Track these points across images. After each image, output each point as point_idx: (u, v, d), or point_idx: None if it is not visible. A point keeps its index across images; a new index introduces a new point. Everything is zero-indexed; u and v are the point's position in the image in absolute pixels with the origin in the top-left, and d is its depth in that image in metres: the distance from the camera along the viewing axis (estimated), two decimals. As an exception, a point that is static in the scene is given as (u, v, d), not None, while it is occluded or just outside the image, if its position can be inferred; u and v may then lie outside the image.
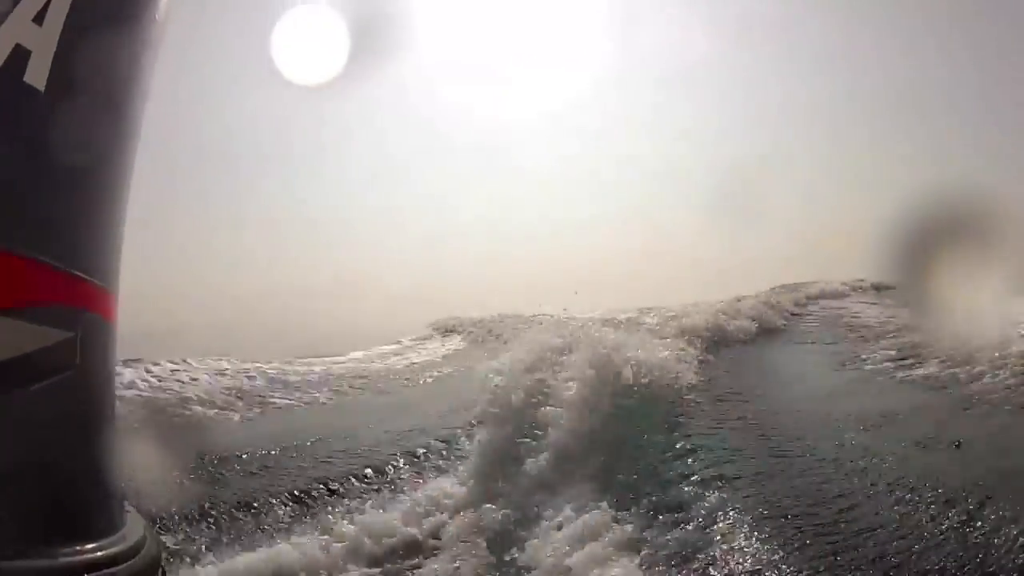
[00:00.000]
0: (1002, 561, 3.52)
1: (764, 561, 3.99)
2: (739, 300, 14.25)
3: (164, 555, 2.16)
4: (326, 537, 4.93)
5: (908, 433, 5.61)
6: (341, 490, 5.84)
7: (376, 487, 6.03)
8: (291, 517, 5.34)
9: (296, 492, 5.70)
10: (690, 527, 4.61)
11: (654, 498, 5.16)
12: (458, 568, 4.69)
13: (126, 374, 11.31)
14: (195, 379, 11.77)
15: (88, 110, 1.86)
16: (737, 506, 4.67)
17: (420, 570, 4.78)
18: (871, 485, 4.70)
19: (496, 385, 7.38)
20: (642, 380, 7.26)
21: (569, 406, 6.75)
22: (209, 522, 5.20)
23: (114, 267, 2.02)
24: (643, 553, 4.42)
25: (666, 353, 8.48)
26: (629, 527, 4.74)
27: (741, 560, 4.04)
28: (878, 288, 16.21)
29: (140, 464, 5.96)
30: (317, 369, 13.03)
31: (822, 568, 3.79)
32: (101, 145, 1.94)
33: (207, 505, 5.38)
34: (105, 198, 2.00)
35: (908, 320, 11.74)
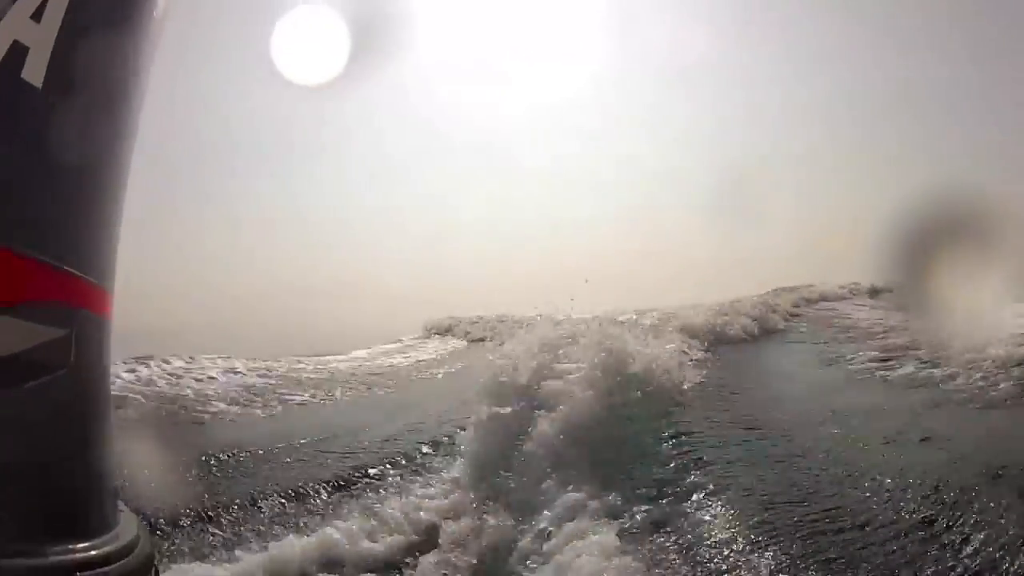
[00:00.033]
0: (954, 541, 4.22)
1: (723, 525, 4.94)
2: (734, 302, 14.89)
3: (157, 555, 2.20)
4: (373, 522, 5.65)
5: (879, 428, 6.38)
6: (379, 475, 6.68)
7: (412, 469, 6.90)
8: (337, 502, 6.14)
9: (338, 480, 6.50)
10: (666, 501, 5.55)
11: (640, 472, 6.05)
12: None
13: (142, 371, 12.15)
14: (212, 377, 12.59)
15: (85, 107, 1.92)
16: (711, 485, 5.60)
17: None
18: (844, 475, 5.45)
19: (503, 367, 8.29)
20: (639, 370, 8.08)
21: (573, 388, 7.60)
22: (260, 509, 5.96)
23: (110, 265, 2.06)
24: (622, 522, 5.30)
25: (663, 349, 9.34)
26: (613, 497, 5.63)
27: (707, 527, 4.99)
28: (874, 291, 16.88)
29: (181, 459, 6.77)
30: (331, 367, 13.82)
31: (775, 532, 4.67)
32: (98, 142, 1.98)
33: (256, 493, 6.14)
34: (101, 195, 2.04)
35: (897, 322, 12.62)
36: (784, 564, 4.36)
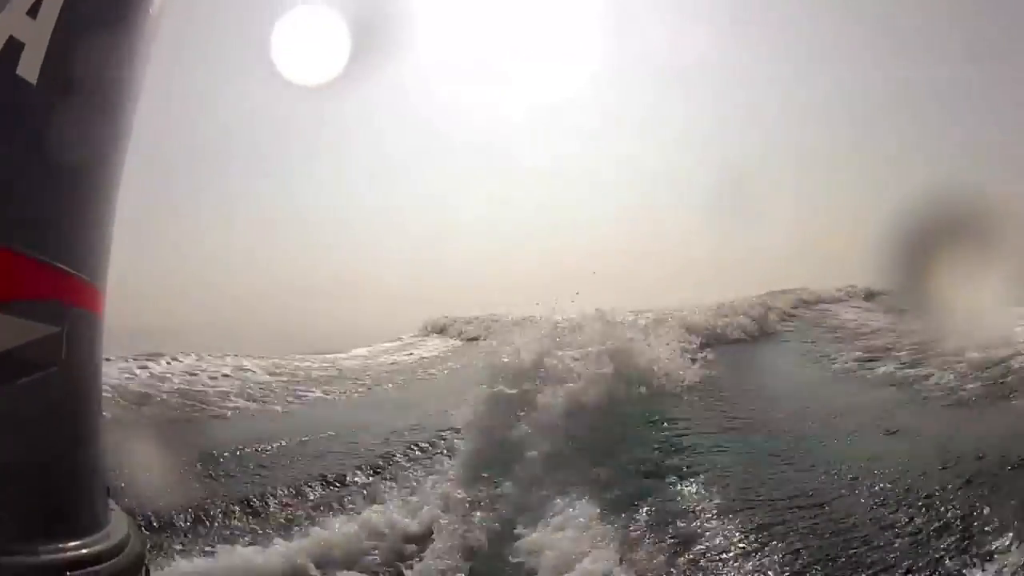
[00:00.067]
0: (901, 520, 4.98)
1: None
2: (731, 303, 15.55)
3: (148, 553, 2.28)
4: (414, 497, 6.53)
5: (851, 422, 7.31)
6: (405, 461, 7.64)
7: (438, 452, 7.87)
8: (374, 485, 7.07)
9: (374, 465, 7.49)
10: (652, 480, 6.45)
11: (630, 454, 6.96)
12: None
13: (155, 368, 12.83)
14: (226, 375, 13.25)
15: (79, 104, 1.95)
16: (694, 469, 6.56)
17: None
18: (809, 465, 6.32)
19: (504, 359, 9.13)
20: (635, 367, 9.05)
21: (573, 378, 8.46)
22: (306, 495, 6.87)
23: (102, 262, 2.09)
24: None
25: (658, 349, 10.16)
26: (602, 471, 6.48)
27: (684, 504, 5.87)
28: (869, 295, 17.55)
29: (218, 451, 7.58)
30: (338, 364, 14.68)
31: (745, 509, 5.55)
32: (92, 139, 2.01)
33: (303, 481, 7.04)
34: (95, 193, 2.07)
35: (885, 324, 13.52)
36: (750, 529, 5.24)
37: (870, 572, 4.47)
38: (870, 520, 5.11)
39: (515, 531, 5.72)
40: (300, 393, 12.31)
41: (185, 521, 6.09)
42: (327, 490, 6.96)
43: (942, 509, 4.98)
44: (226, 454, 7.77)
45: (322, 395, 12.29)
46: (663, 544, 5.23)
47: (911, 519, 4.98)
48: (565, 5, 30.22)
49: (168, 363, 13.28)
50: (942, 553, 4.49)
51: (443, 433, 8.48)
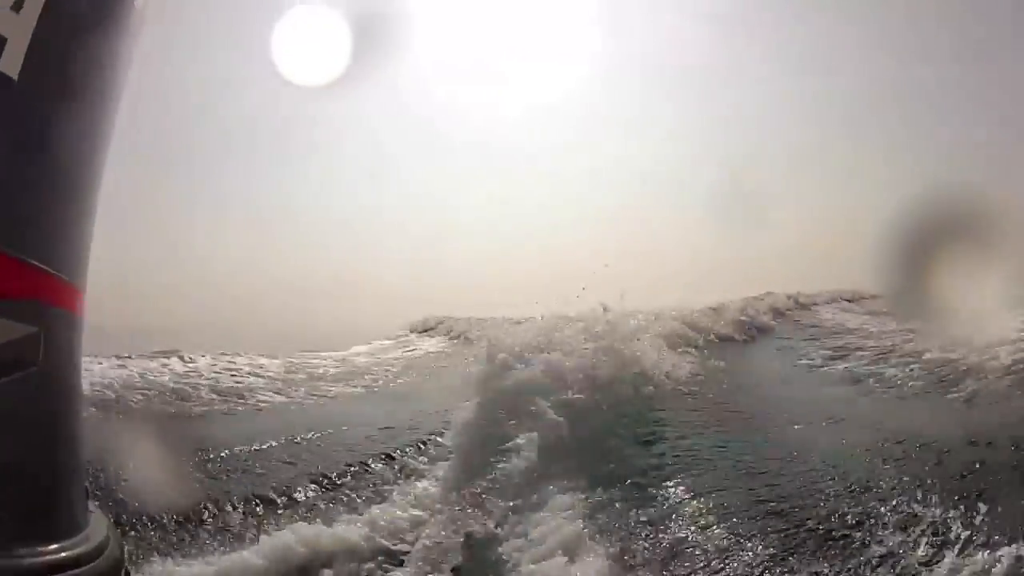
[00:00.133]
0: (836, 491, 6.46)
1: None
2: (723, 305, 16.50)
3: (127, 556, 2.34)
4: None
5: (805, 411, 8.96)
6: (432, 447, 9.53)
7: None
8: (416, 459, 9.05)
9: (420, 443, 9.48)
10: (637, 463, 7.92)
11: (620, 437, 8.52)
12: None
13: (175, 365, 14.31)
14: (249, 372, 14.64)
15: (61, 100, 1.99)
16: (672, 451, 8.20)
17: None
18: (757, 446, 7.93)
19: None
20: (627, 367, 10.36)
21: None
22: (353, 475, 8.60)
23: (82, 262, 2.13)
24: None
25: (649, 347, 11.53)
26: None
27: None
28: (854, 297, 19.00)
29: (275, 440, 9.22)
30: (359, 361, 16.52)
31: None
32: (74, 137, 2.04)
33: (348, 464, 8.74)
34: (75, 191, 2.10)
35: (863, 324, 15.16)
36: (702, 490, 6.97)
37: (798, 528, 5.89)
38: (801, 489, 6.64)
39: (507, 528, 6.63)
40: (322, 388, 13.87)
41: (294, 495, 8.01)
42: (386, 465, 8.87)
43: (867, 482, 6.36)
44: (282, 441, 9.53)
45: (342, 390, 13.87)
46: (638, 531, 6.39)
47: (844, 490, 6.41)
48: (564, 5, 31.61)
49: (187, 360, 14.73)
50: (857, 516, 5.87)
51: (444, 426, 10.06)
